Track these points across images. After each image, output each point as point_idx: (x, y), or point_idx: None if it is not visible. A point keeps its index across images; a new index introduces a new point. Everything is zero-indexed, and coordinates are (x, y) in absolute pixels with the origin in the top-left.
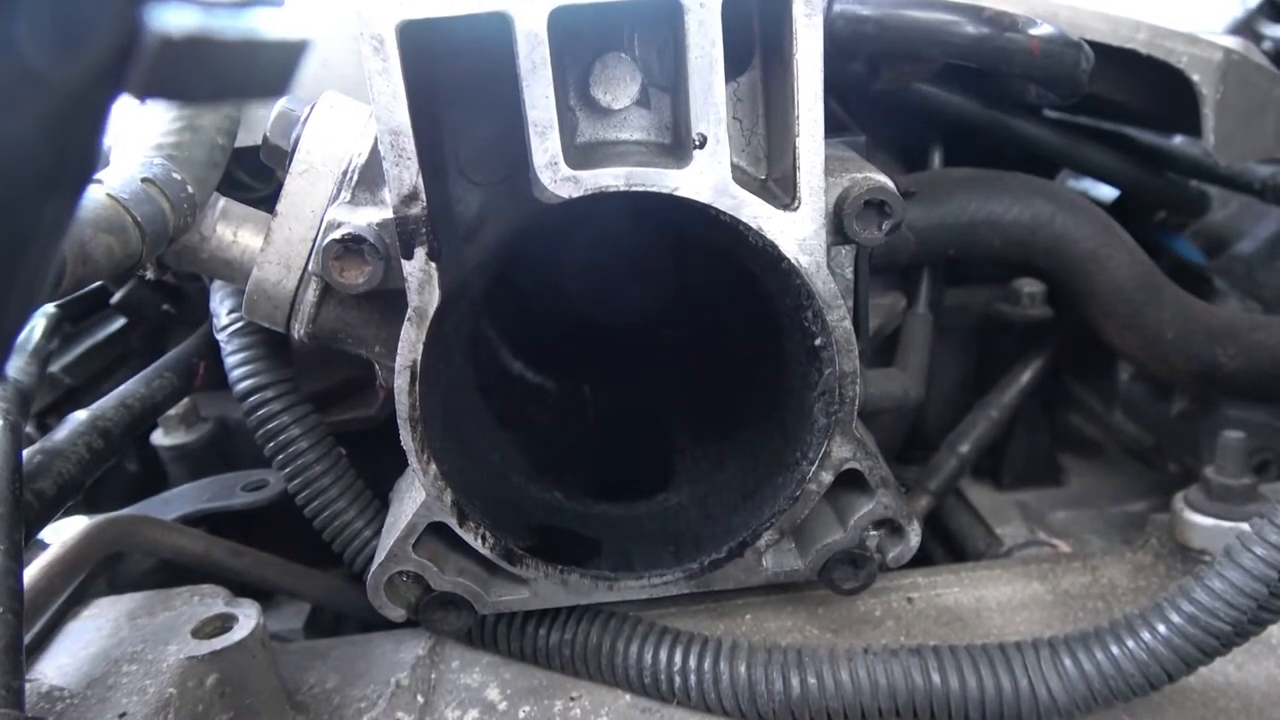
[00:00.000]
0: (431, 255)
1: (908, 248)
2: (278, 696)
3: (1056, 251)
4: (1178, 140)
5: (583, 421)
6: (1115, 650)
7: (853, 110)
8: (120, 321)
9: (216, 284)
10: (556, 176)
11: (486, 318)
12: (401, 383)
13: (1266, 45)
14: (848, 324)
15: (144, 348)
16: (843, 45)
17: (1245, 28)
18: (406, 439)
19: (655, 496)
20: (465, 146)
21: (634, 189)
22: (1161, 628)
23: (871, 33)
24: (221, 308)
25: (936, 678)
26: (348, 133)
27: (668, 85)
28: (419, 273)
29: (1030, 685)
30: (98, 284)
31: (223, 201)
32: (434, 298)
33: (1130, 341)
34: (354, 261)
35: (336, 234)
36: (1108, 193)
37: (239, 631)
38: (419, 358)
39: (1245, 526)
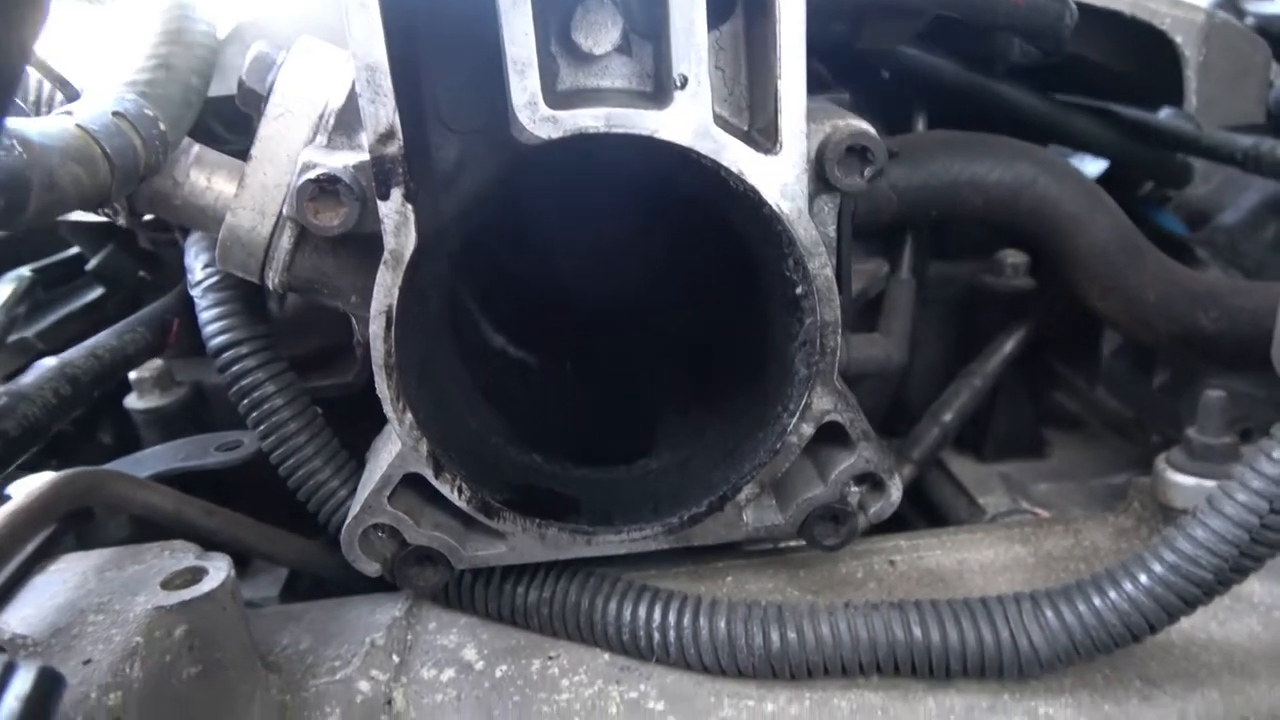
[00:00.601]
0: (408, 196)
1: (890, 207)
2: (248, 653)
3: (1039, 213)
4: (1162, 114)
5: (564, 396)
6: (1097, 601)
7: (837, 74)
8: (97, 291)
9: (191, 239)
10: (535, 116)
11: (467, 289)
12: (377, 328)
13: (1249, 21)
14: (829, 272)
15: (119, 316)
16: None
17: (1229, 4)
18: (382, 386)
19: (636, 462)
20: (444, 91)
21: (613, 130)
22: (1143, 577)
23: None
24: (196, 263)
25: (917, 631)
26: (325, 77)
27: (649, 33)
28: (395, 214)
29: (1011, 637)
30: (74, 251)
31: (196, 148)
32: (410, 240)
33: (1112, 304)
34: (329, 203)
35: (311, 174)
36: (1094, 169)
37: (209, 583)
38: (394, 303)
39: None
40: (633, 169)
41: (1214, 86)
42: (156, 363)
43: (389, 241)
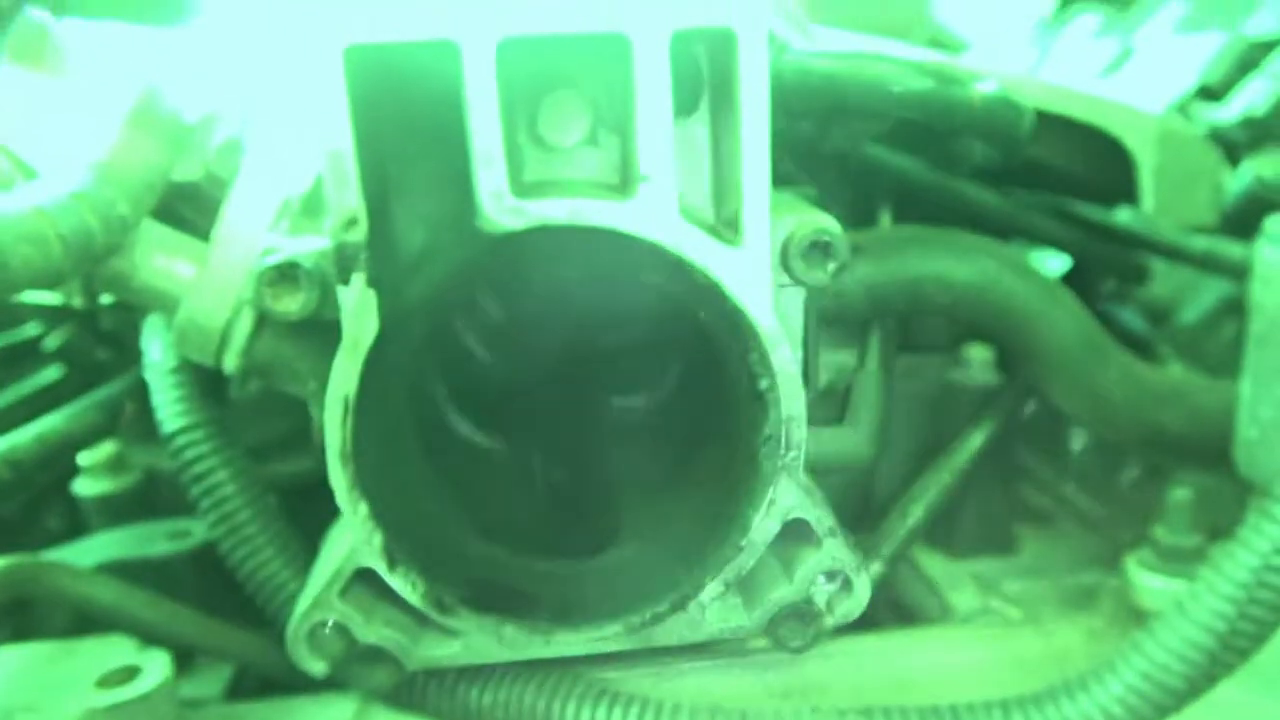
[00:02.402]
0: (370, 283)
1: (857, 302)
2: None
3: (1004, 311)
4: (1120, 215)
5: (530, 487)
6: (1068, 709)
7: (803, 169)
8: (55, 372)
9: (149, 321)
10: (501, 207)
11: (432, 374)
12: (333, 416)
13: (1201, 129)
14: (793, 365)
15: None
16: (791, 96)
17: (1180, 109)
18: (336, 476)
19: (599, 555)
20: (410, 179)
21: (578, 222)
22: (1114, 685)
23: (819, 85)
24: (152, 345)
25: None
26: (291, 162)
27: (616, 125)
28: (356, 301)
29: None
30: (33, 332)
31: (157, 229)
32: (371, 327)
33: (1077, 402)
34: (289, 288)
35: (272, 259)
36: (1057, 266)
37: (145, 683)
38: (353, 390)
39: None
40: (600, 258)
41: (1168, 190)
42: (109, 446)
43: (348, 327)
